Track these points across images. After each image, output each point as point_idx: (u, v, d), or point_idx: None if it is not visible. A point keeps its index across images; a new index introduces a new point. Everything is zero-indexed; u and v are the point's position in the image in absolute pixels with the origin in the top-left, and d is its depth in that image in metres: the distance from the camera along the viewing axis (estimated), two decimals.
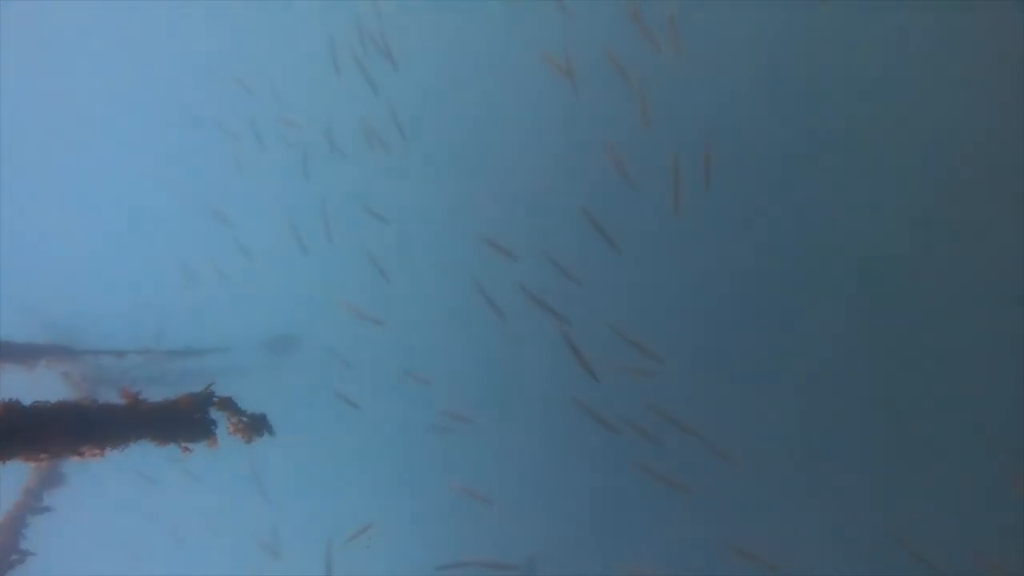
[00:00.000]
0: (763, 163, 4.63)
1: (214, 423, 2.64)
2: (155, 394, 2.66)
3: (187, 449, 2.58)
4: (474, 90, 5.42)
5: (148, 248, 6.70)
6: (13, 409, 2.36)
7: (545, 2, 4.93)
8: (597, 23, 4.85)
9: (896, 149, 4.43)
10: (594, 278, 4.88)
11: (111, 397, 2.66)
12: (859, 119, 4.46)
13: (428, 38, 5.47)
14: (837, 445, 4.53)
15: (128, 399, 2.52)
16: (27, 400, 2.39)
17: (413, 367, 5.22)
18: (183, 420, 2.59)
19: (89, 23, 7.19)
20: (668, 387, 4.68)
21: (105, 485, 5.77)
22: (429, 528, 5.36)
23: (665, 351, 4.67)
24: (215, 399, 2.64)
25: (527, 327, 5.00)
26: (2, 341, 4.06)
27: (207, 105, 6.51)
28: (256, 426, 2.62)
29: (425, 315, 5.56)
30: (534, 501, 5.07)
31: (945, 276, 4.39)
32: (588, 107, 4.96)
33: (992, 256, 4.23)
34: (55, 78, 7.73)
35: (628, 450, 4.69)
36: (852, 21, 4.24)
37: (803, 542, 4.51)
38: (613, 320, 4.80)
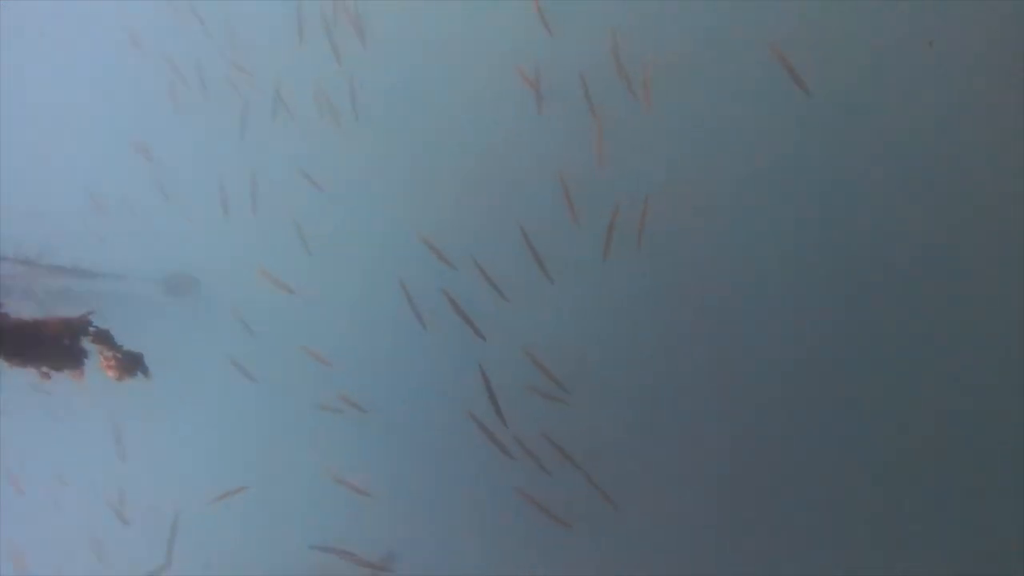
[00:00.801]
0: (698, 223, 4.69)
1: (85, 354, 2.40)
2: (26, 311, 2.41)
3: (47, 375, 2.33)
4: (439, 85, 5.29)
5: (58, 166, 6.25)
6: None
7: (531, 18, 4.86)
8: (577, 49, 4.83)
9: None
10: (521, 297, 4.81)
11: None
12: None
13: (405, 24, 5.34)
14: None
15: None
16: None
17: (318, 346, 5.01)
18: (50, 344, 2.33)
19: None
20: (572, 418, 4.62)
21: None
22: (297, 508, 5.14)
23: (575, 382, 4.63)
24: (92, 328, 2.39)
25: (442, 331, 4.88)
26: None
27: (154, 32, 6.14)
28: (130, 365, 2.38)
29: (342, 296, 5.35)
30: (407, 502, 4.91)
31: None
32: (548, 129, 4.91)
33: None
34: None
35: (516, 474, 4.59)
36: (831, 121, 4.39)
37: None
38: (531, 342, 4.72)
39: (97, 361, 2.41)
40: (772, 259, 4.55)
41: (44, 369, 2.30)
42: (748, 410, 4.51)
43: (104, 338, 2.40)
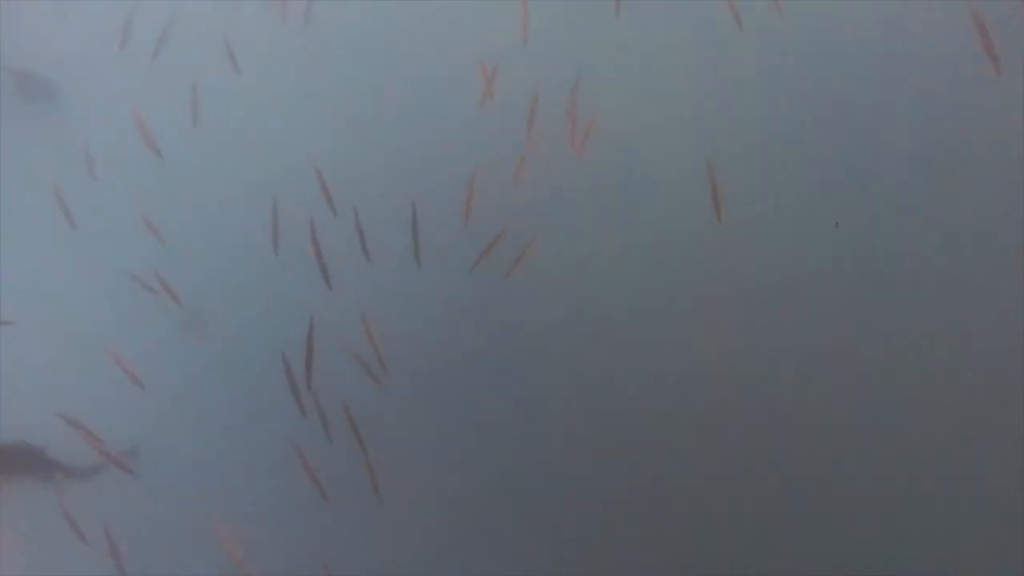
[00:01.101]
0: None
1: None
2: None
3: None
4: (391, 67, 5.11)
5: None
6: None
7: (512, 25, 4.77)
8: (543, 70, 4.83)
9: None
10: (384, 268, 4.72)
11: None
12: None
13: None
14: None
15: None
16: None
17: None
18: None
19: None
20: (379, 399, 4.55)
21: None
22: (56, 373, 4.76)
23: (398, 366, 4.57)
24: None
25: (292, 265, 4.70)
26: None
27: None
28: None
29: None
30: (174, 401, 4.66)
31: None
32: (485, 131, 4.86)
33: None
34: None
35: (300, 431, 4.45)
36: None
37: None
38: (374, 312, 4.62)
39: None
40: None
41: None
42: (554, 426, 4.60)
43: None
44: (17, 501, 4.50)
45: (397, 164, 4.90)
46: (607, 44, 4.88)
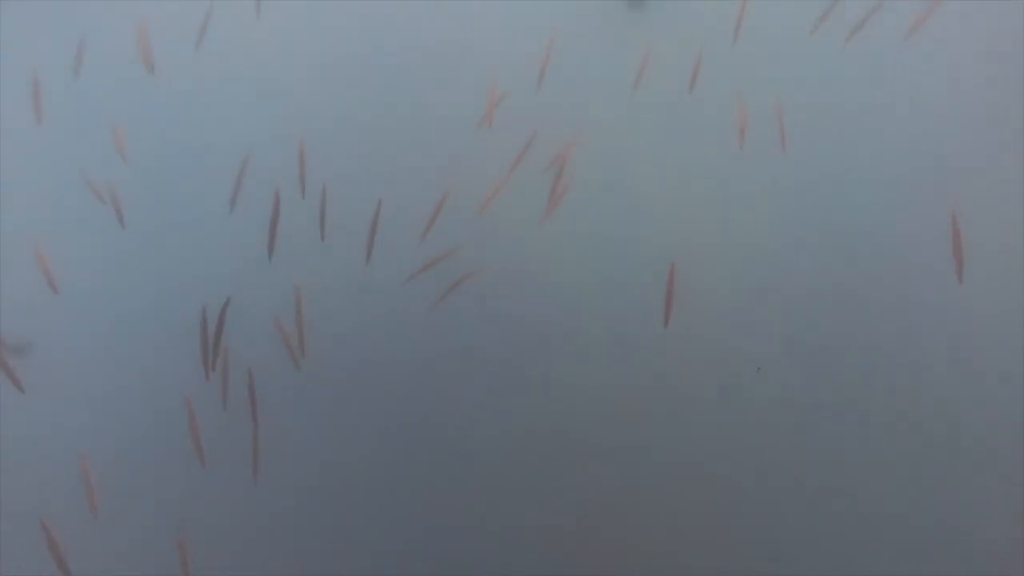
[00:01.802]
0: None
1: None
2: None
3: None
4: (407, 63, 5.08)
5: None
6: None
7: (533, 63, 4.82)
8: (547, 117, 4.85)
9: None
10: (338, 247, 4.66)
11: None
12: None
13: None
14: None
15: None
16: None
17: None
18: None
19: None
20: (287, 379, 4.48)
21: None
22: None
23: (321, 353, 4.51)
24: None
25: (244, 227, 4.61)
26: None
27: None
28: None
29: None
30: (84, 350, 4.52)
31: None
32: (471, 155, 4.86)
33: None
34: None
35: (199, 388, 4.35)
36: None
37: None
38: (311, 291, 4.55)
39: None
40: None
41: None
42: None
43: None
44: None
45: (379, 160, 4.87)
46: (615, 115, 4.91)
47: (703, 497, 4.57)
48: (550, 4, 4.97)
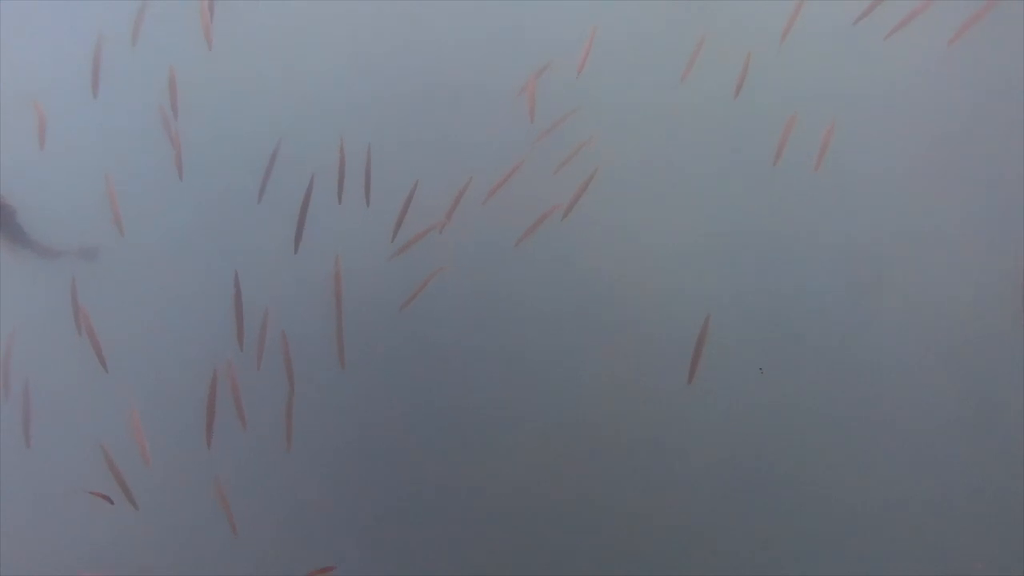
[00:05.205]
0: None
1: None
2: None
3: None
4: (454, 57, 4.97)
5: None
6: None
7: (572, 62, 4.70)
8: (595, 118, 4.69)
9: None
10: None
11: None
12: None
13: None
14: None
15: None
16: None
17: None
18: None
19: None
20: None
21: None
22: None
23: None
24: None
25: (268, 211, 4.76)
26: None
27: None
28: None
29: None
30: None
31: None
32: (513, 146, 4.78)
33: None
34: None
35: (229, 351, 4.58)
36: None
37: None
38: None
39: None
40: None
41: None
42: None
43: None
44: None
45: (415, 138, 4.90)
46: (660, 128, 4.79)
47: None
48: None
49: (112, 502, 4.18)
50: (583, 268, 4.71)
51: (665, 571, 4.45)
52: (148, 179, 4.77)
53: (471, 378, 4.72)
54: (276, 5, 4.96)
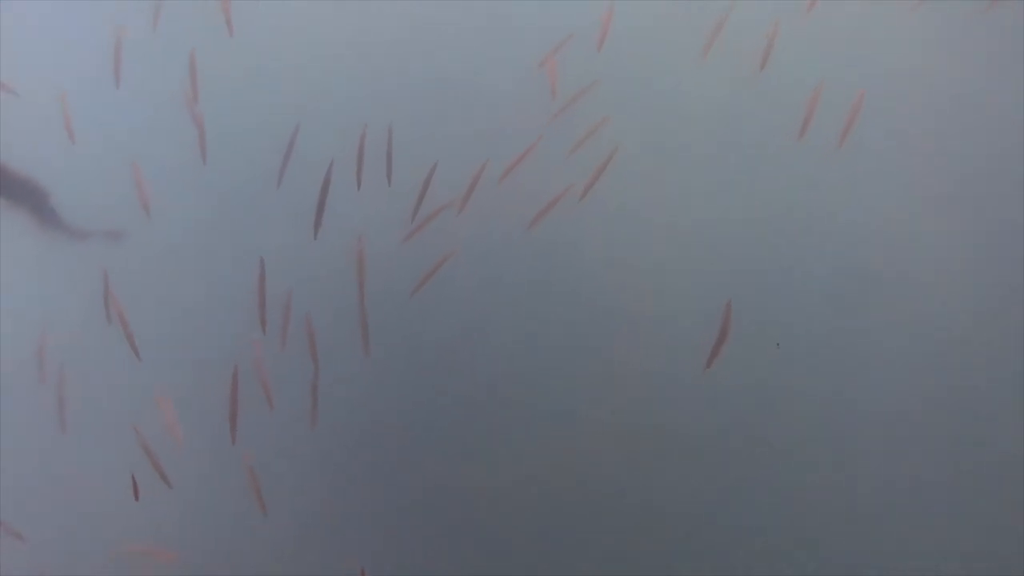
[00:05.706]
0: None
1: None
2: None
3: None
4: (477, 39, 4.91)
5: None
6: None
7: (591, 40, 4.64)
8: (614, 98, 4.62)
9: None
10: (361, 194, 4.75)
11: None
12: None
13: None
14: None
15: None
16: None
17: None
18: None
19: None
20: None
21: None
22: None
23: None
24: None
25: (285, 194, 4.80)
26: None
27: None
28: None
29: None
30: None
31: None
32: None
33: None
34: None
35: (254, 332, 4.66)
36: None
37: None
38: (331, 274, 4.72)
39: None
40: None
41: None
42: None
43: None
44: None
45: (437, 123, 4.87)
46: (681, 104, 4.70)
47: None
48: None
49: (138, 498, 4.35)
50: (598, 251, 4.67)
51: (690, 560, 4.45)
52: (172, 164, 4.84)
53: (489, 363, 4.73)
54: None
